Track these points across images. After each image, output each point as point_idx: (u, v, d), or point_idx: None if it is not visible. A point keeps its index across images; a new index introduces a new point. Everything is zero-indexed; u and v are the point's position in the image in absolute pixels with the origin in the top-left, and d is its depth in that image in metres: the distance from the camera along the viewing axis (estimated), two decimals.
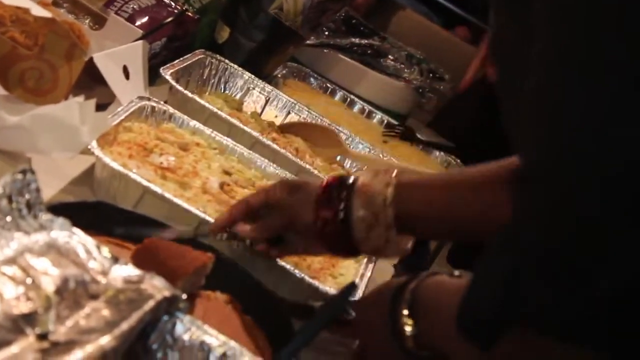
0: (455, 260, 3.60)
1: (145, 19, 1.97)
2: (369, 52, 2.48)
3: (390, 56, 2.50)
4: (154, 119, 1.73)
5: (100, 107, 1.66)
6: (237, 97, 2.10)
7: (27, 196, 1.18)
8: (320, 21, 2.19)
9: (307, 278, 1.51)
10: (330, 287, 1.55)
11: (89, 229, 1.37)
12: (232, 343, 1.21)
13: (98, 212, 1.41)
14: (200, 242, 1.44)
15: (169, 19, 2.00)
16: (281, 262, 1.54)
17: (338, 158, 2.04)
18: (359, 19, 2.66)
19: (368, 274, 1.62)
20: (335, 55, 2.45)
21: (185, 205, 1.51)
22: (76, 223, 1.35)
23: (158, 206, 1.50)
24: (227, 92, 2.10)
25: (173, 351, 1.18)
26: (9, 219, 1.14)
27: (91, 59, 1.70)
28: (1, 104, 1.52)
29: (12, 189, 1.16)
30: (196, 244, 1.41)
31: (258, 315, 1.39)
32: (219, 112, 1.89)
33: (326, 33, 2.43)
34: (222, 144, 1.77)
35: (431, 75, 2.55)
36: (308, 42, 2.35)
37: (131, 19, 1.95)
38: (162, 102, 1.79)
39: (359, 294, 1.56)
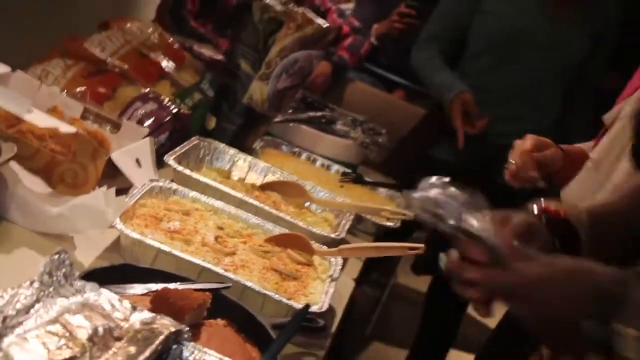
0: (419, 269, 3.58)
1: (151, 120, 1.98)
2: (323, 121, 2.47)
3: (339, 122, 2.50)
4: (162, 194, 1.73)
5: (123, 190, 1.69)
6: (226, 168, 2.10)
7: (63, 270, 1.20)
8: (282, 104, 2.20)
9: (284, 300, 1.52)
10: (311, 306, 1.52)
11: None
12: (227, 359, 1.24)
13: (124, 272, 1.43)
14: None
15: (169, 117, 2.01)
16: (264, 290, 1.52)
17: (307, 204, 2.04)
18: (313, 97, 2.67)
19: (331, 290, 1.61)
20: (298, 127, 2.44)
21: (189, 257, 1.52)
22: (108, 282, 1.38)
23: (169, 261, 1.51)
24: (218, 165, 2.10)
25: None
26: (51, 289, 1.17)
27: None
28: (46, 200, 1.55)
29: (51, 266, 1.19)
30: None
31: (249, 332, 1.40)
32: (212, 183, 1.89)
33: (289, 111, 2.43)
34: (215, 206, 1.77)
35: (371, 132, 2.55)
36: (276, 119, 2.34)
37: (140, 122, 1.96)
38: (168, 181, 1.79)
39: (325, 306, 1.54)
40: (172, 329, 1.17)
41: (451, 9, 2.93)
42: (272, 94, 2.12)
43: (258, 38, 2.09)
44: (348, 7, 4.14)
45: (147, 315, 1.21)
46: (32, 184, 1.57)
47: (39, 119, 1.63)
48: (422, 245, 1.71)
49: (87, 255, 1.53)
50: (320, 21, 2.12)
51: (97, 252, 1.56)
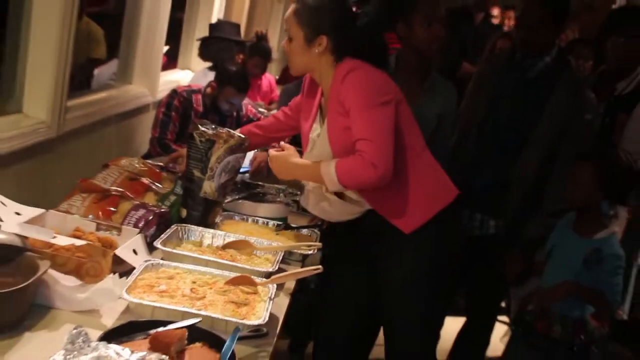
0: None
1: (142, 222, 1.98)
2: (260, 195, 2.49)
3: (268, 193, 2.50)
4: (154, 269, 1.73)
5: (129, 272, 1.71)
6: (198, 240, 2.06)
7: (81, 338, 1.23)
8: (226, 191, 2.21)
9: (239, 320, 1.54)
10: (254, 321, 1.55)
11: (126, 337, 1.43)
12: None
13: (131, 326, 1.44)
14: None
15: (153, 216, 2.02)
16: (224, 317, 1.54)
17: (254, 252, 2.02)
18: (248, 181, 2.67)
19: (270, 307, 1.61)
20: (244, 202, 2.42)
21: (173, 307, 1.55)
22: (121, 336, 1.40)
23: (161, 312, 1.53)
24: (192, 239, 2.06)
25: None
26: (75, 352, 1.20)
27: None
28: (76, 289, 1.58)
29: (72, 338, 1.22)
30: None
31: (218, 348, 1.41)
32: (188, 253, 1.89)
33: (235, 193, 2.45)
34: (189, 268, 1.77)
35: (290, 194, 2.55)
36: (227, 201, 2.35)
37: (136, 224, 1.97)
38: (157, 259, 1.79)
39: (266, 319, 1.55)
40: (155, 359, 1.22)
41: None
42: (218, 187, 2.14)
43: (201, 154, 2.13)
44: (273, 112, 4.21)
45: (140, 354, 1.25)
46: (66, 281, 1.59)
47: (61, 241, 1.68)
48: (320, 267, 1.76)
49: (111, 317, 1.56)
50: (238, 134, 2.18)
51: (117, 314, 1.58)
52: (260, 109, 4.18)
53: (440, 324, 2.80)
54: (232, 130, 2.18)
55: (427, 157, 2.10)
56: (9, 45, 2.48)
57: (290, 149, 2.02)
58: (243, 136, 2.18)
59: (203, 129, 2.13)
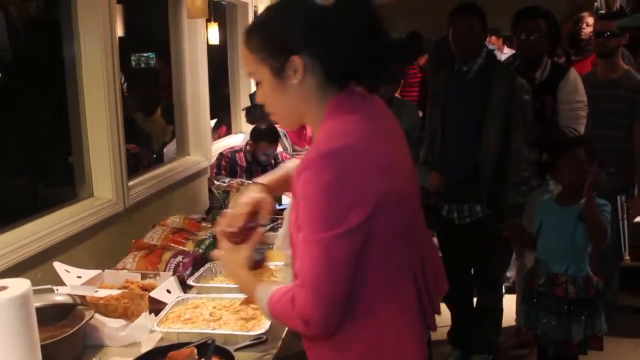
0: None
1: (181, 266, 2.06)
2: (280, 225, 2.52)
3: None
4: (183, 302, 1.80)
5: (157, 310, 1.76)
6: None
7: None
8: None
9: (245, 333, 1.59)
10: (256, 331, 1.59)
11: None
12: None
13: (159, 350, 1.53)
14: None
15: (189, 259, 2.08)
16: (233, 332, 1.58)
17: (273, 274, 2.02)
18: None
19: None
20: (269, 234, 2.35)
21: (192, 330, 1.61)
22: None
23: (185, 336, 1.59)
24: (222, 272, 2.06)
25: None
26: None
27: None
28: (118, 329, 1.66)
29: None
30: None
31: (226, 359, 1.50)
32: (211, 284, 1.94)
33: None
34: (211, 297, 1.82)
35: None
36: None
37: (175, 269, 2.04)
38: (187, 294, 1.86)
39: (266, 328, 1.58)
40: None
41: None
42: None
43: (220, 203, 2.23)
44: (303, 152, 4.32)
45: None
46: (112, 323, 1.69)
47: (102, 293, 1.79)
48: None
49: (148, 348, 1.61)
50: (247, 182, 2.26)
51: (153, 344, 1.64)
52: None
53: None
54: (242, 179, 2.27)
55: (393, 307, 1.15)
56: (76, 148, 2.71)
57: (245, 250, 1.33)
58: (251, 182, 2.25)
59: (218, 183, 2.23)
